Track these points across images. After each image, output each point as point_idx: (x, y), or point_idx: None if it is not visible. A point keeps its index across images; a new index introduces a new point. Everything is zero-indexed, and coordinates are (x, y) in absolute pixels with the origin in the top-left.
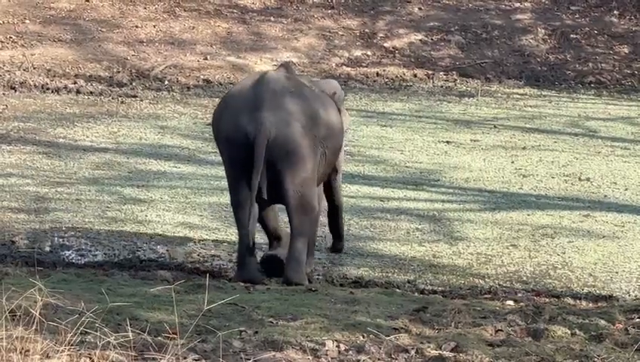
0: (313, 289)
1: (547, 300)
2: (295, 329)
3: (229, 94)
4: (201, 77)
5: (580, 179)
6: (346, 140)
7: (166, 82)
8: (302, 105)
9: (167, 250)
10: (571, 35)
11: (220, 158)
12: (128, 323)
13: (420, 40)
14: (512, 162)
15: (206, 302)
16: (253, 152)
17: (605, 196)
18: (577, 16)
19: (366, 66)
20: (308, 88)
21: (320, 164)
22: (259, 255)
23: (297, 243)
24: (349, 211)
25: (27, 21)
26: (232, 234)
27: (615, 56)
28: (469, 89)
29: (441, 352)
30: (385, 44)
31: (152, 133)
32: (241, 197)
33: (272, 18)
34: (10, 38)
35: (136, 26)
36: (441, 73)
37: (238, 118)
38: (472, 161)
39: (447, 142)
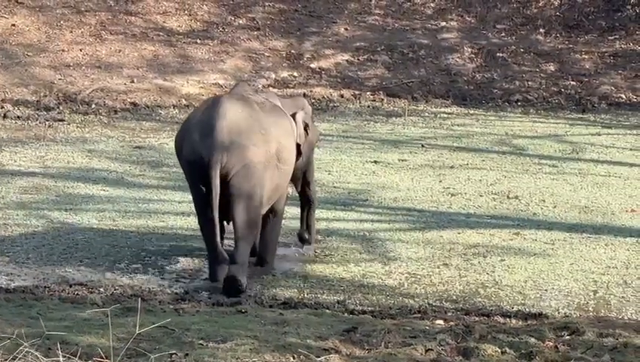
0: (243, 310)
1: (477, 319)
2: (225, 351)
3: (188, 118)
4: (128, 100)
5: (508, 197)
6: (315, 154)
7: (93, 106)
8: (253, 123)
9: (96, 274)
10: (498, 54)
11: (147, 182)
12: (59, 347)
13: (347, 60)
14: (441, 181)
15: (137, 325)
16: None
17: (534, 214)
18: (503, 34)
19: (293, 87)
20: (258, 105)
21: (274, 178)
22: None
23: (239, 257)
24: None
25: None
26: (161, 258)
27: (541, 74)
28: (396, 109)
29: None
30: (311, 65)
31: (79, 157)
32: (204, 217)
33: (198, 40)
34: None
35: (63, 50)
36: (368, 93)
37: (194, 142)
38: (400, 180)
39: (375, 162)
